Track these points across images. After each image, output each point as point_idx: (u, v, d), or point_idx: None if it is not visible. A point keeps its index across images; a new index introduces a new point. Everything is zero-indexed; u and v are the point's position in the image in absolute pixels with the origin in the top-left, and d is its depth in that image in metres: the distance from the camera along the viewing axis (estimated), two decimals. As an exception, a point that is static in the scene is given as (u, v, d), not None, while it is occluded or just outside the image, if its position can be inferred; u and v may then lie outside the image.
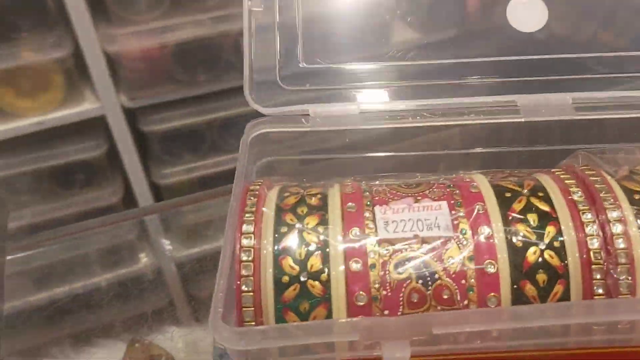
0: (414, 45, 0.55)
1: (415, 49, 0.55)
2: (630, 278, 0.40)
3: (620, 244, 0.40)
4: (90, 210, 1.50)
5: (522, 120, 0.51)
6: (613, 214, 0.41)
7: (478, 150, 0.55)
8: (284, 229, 0.42)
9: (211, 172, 1.51)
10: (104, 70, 1.40)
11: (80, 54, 1.35)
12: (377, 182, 0.48)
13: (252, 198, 0.44)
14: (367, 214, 0.43)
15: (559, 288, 0.41)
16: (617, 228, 0.41)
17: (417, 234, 0.41)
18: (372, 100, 0.53)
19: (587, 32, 0.55)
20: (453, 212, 0.43)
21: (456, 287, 0.41)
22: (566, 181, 0.45)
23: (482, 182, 0.45)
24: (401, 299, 0.41)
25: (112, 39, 1.39)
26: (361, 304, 0.40)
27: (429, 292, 0.41)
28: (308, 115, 0.51)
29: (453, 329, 0.36)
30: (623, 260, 0.40)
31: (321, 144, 0.53)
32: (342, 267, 0.41)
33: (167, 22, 1.39)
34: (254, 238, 0.42)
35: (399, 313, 0.41)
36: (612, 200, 0.42)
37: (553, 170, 0.47)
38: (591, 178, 0.44)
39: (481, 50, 0.55)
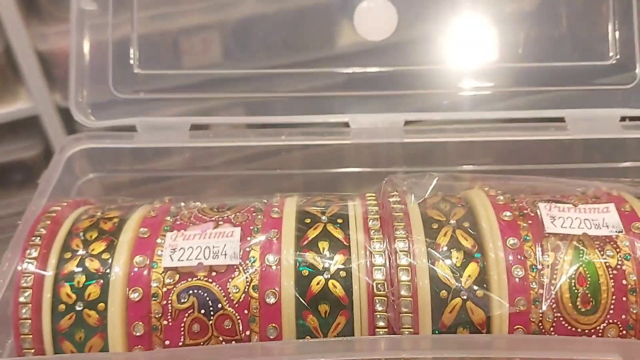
0: (262, 57, 0.54)
1: (270, 59, 0.54)
2: (411, 312, 0.39)
3: (403, 276, 0.39)
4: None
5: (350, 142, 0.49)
6: (400, 245, 0.40)
7: (319, 171, 0.54)
8: (67, 255, 0.41)
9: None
10: (37, 69, 1.38)
11: (11, 53, 1.34)
12: (195, 204, 0.47)
13: (46, 220, 0.43)
14: (159, 240, 0.42)
15: (341, 319, 0.40)
16: (403, 259, 0.40)
17: (201, 262, 0.40)
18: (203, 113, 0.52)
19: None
20: (249, 238, 0.42)
21: (239, 317, 0.40)
22: (369, 207, 0.44)
23: (288, 207, 0.44)
24: (182, 329, 0.40)
25: (44, 38, 1.37)
26: (139, 334, 0.39)
27: (210, 322, 0.40)
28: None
29: (205, 365, 0.35)
30: (405, 293, 0.39)
31: (154, 160, 0.52)
32: (119, 297, 0.40)
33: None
34: (36, 263, 0.40)
35: (180, 344, 0.40)
36: (403, 229, 0.41)
37: (367, 194, 0.46)
38: (392, 205, 0.43)
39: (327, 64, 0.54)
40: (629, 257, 0.40)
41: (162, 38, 0.54)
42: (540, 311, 0.39)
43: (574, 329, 0.39)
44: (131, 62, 0.51)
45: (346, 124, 0.51)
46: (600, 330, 0.39)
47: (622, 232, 0.40)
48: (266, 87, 0.54)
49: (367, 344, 0.38)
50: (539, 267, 0.40)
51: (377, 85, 0.51)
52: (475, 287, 0.39)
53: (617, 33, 0.51)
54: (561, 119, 0.49)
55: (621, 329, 0.39)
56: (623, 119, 0.49)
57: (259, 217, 0.44)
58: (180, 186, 0.51)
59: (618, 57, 0.51)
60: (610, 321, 0.39)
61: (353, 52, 0.53)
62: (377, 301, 0.40)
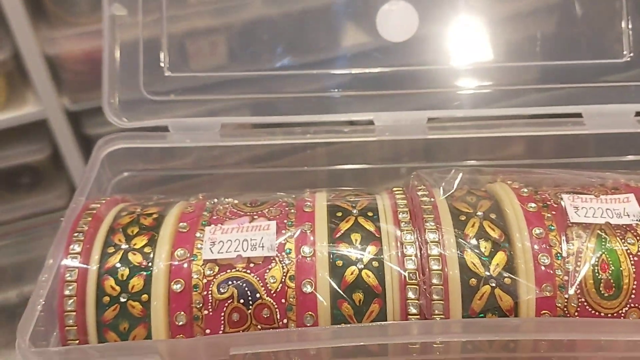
0: (284, 58, 0.56)
1: (285, 59, 0.56)
2: (442, 299, 0.41)
3: (435, 265, 0.41)
4: (37, 214, 1.49)
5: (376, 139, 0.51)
6: (430, 236, 0.42)
7: (348, 167, 0.56)
8: (110, 250, 0.43)
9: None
10: (45, 73, 1.40)
11: (20, 57, 1.35)
12: (228, 200, 0.48)
13: (87, 217, 0.44)
14: (198, 234, 0.44)
15: (374, 307, 0.41)
16: (434, 250, 0.42)
17: (240, 254, 0.42)
18: (234, 114, 0.54)
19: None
20: (284, 231, 0.44)
21: (276, 306, 0.41)
22: (398, 200, 0.45)
23: (319, 201, 0.46)
24: (222, 318, 0.41)
25: (52, 42, 1.38)
26: (181, 323, 0.41)
27: (249, 311, 0.41)
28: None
29: (250, 349, 0.37)
30: (436, 281, 0.41)
31: (184, 158, 0.53)
32: (162, 288, 0.41)
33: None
34: (80, 257, 0.42)
35: (220, 332, 0.41)
36: (433, 221, 0.43)
37: (393, 188, 0.48)
38: (421, 199, 0.45)
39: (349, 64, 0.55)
40: (652, 243, 0.42)
41: (185, 40, 0.56)
42: (566, 296, 0.41)
43: (597, 312, 0.41)
44: (162, 64, 0.53)
45: (370, 122, 0.52)
46: (623, 314, 0.41)
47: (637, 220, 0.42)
48: (278, 87, 0.56)
49: (400, 328, 0.40)
50: (564, 255, 0.41)
51: (398, 84, 0.53)
52: (504, 275, 0.41)
53: (630, 31, 0.52)
54: (578, 115, 0.51)
55: (644, 311, 0.41)
56: (638, 114, 0.51)
57: (292, 211, 0.45)
58: (209, 183, 0.53)
59: (632, 54, 0.52)
60: (632, 305, 0.41)
61: (373, 51, 0.54)
62: (409, 289, 0.41)
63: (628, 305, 0.41)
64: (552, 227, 0.42)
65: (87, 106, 1.47)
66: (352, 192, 0.48)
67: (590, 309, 0.41)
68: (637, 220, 0.42)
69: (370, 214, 0.45)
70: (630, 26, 0.52)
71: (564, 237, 0.42)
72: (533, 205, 0.43)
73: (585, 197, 0.43)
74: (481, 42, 0.54)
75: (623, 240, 0.42)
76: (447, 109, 0.52)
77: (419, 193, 0.45)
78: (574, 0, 0.54)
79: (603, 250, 0.41)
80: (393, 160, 0.53)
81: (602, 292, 0.41)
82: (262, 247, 0.42)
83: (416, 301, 0.41)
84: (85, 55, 1.42)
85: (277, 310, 0.41)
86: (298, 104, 0.55)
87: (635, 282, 0.41)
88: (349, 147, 0.54)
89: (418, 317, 0.41)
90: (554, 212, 0.43)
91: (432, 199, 0.45)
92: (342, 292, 0.41)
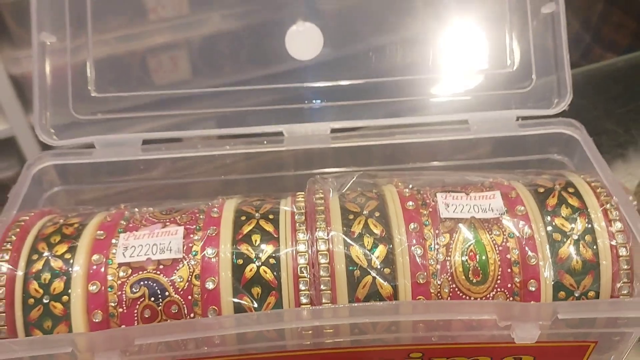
0: (195, 77, 0.61)
1: (197, 80, 0.61)
2: (330, 289, 0.46)
3: (323, 259, 0.46)
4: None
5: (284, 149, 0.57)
6: (320, 234, 0.47)
7: (265, 175, 0.61)
8: (35, 257, 0.48)
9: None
10: (11, 92, 1.45)
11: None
12: (148, 209, 0.53)
13: (15, 228, 0.49)
14: (114, 241, 0.49)
15: (271, 299, 0.47)
16: (322, 246, 0.47)
17: (149, 257, 0.47)
18: (156, 129, 0.59)
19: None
20: (192, 235, 0.49)
21: (183, 302, 0.47)
22: (298, 204, 0.51)
23: (227, 207, 0.51)
24: (135, 314, 0.46)
25: (16, 62, 1.43)
26: (98, 320, 0.46)
27: (159, 307, 0.46)
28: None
29: (153, 340, 0.42)
30: (324, 274, 0.46)
31: (117, 172, 0.58)
32: (80, 290, 0.46)
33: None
34: (8, 264, 0.47)
35: (134, 327, 0.46)
36: (323, 221, 0.48)
37: (297, 193, 0.53)
38: (316, 201, 0.50)
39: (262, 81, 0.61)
40: (512, 235, 0.47)
41: (121, 60, 0.61)
42: (438, 283, 0.46)
43: (467, 297, 0.46)
44: (89, 86, 0.58)
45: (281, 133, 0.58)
46: (490, 298, 0.46)
47: (504, 214, 0.47)
48: (205, 106, 0.61)
49: (294, 314, 0.45)
50: (436, 246, 0.47)
51: (305, 99, 0.58)
52: (384, 266, 0.46)
53: (514, 43, 0.58)
54: (465, 121, 0.57)
55: (507, 295, 0.46)
56: (519, 118, 0.57)
57: (201, 217, 0.50)
58: (137, 195, 0.58)
59: (516, 65, 0.58)
60: (498, 290, 0.46)
61: (286, 70, 0.60)
62: (301, 282, 0.47)
63: (494, 290, 0.46)
64: (427, 223, 0.48)
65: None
66: (261, 197, 0.53)
67: (460, 294, 0.46)
68: (499, 214, 0.47)
69: (271, 216, 0.50)
70: (513, 39, 0.58)
71: (436, 231, 0.47)
72: (412, 203, 0.49)
73: (456, 195, 0.49)
74: (379, 60, 0.59)
75: (490, 232, 0.47)
76: (349, 120, 0.58)
77: (315, 196, 0.51)
78: (462, 17, 0.59)
79: (471, 242, 0.47)
80: (305, 167, 0.58)
81: (471, 278, 0.46)
82: (170, 250, 0.47)
83: (307, 292, 0.46)
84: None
85: (184, 305, 0.46)
86: (219, 119, 0.60)
87: (500, 269, 0.46)
88: (265, 156, 0.59)
89: (309, 305, 0.46)
90: (430, 210, 0.49)
91: (325, 201, 0.50)
92: (242, 288, 0.47)
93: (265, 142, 0.57)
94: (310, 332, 0.45)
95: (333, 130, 0.58)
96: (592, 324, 0.42)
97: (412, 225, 0.47)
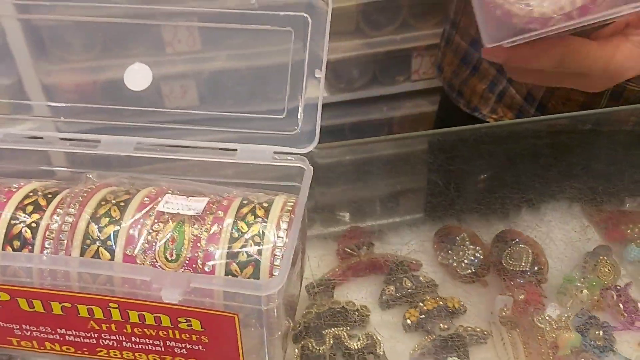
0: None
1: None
2: (65, 249, 0.63)
3: (65, 228, 0.63)
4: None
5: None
6: (71, 210, 0.64)
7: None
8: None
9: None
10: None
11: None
12: None
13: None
14: None
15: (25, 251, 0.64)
16: (69, 219, 0.64)
17: None
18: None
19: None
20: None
21: None
22: (75, 190, 0.68)
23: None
24: None
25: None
26: None
27: None
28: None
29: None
30: (63, 238, 0.63)
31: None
32: None
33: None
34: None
35: None
36: (79, 203, 0.65)
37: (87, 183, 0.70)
38: (87, 188, 0.67)
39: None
40: (207, 229, 0.63)
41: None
42: (141, 260, 0.62)
43: (162, 269, 0.62)
44: None
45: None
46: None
47: (200, 213, 0.63)
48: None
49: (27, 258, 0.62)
50: (152, 232, 0.63)
51: (132, 119, 0.77)
52: (109, 240, 0.63)
53: (287, 94, 0.75)
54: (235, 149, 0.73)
55: (191, 272, 0.62)
56: (276, 153, 0.73)
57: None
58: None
59: (285, 113, 0.74)
60: (187, 268, 0.62)
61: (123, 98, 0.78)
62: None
63: (183, 267, 0.62)
64: (152, 214, 0.64)
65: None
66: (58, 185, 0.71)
67: (158, 267, 0.62)
68: (196, 213, 0.63)
69: (50, 195, 0.68)
70: (288, 91, 0.75)
71: (155, 220, 0.64)
72: (147, 199, 0.65)
73: (176, 197, 0.65)
74: (199, 92, 0.78)
75: (191, 226, 0.63)
76: (153, 137, 0.75)
77: (87, 185, 0.68)
78: (252, 71, 0.76)
79: (175, 231, 0.63)
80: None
81: (168, 257, 0.62)
82: None
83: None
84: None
85: None
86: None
87: (190, 254, 0.62)
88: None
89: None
90: (156, 204, 0.65)
91: (92, 190, 0.67)
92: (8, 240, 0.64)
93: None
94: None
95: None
96: (219, 297, 0.57)
97: (138, 215, 0.64)
